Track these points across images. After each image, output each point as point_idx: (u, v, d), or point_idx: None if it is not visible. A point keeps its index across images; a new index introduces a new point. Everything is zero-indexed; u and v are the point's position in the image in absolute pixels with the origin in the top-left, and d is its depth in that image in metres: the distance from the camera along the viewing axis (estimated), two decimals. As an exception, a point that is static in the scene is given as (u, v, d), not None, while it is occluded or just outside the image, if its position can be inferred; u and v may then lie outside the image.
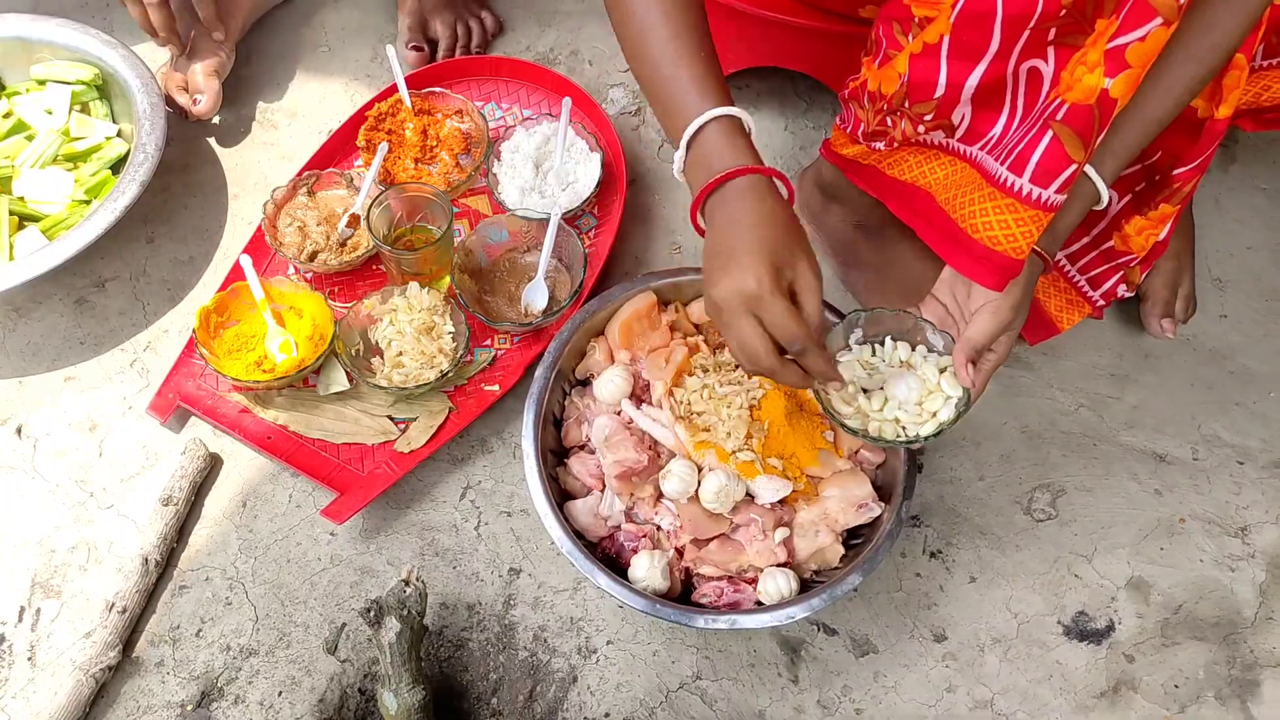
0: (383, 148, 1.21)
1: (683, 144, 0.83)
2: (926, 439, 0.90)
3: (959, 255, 0.86)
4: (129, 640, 0.99)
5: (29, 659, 0.99)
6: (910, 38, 0.86)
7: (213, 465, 1.09)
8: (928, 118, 0.87)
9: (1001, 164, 0.80)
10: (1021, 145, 0.78)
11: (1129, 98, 0.72)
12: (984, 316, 0.87)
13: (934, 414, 0.90)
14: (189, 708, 0.97)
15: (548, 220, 1.15)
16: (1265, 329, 1.23)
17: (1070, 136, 0.75)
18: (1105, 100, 0.72)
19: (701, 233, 0.85)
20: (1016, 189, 0.79)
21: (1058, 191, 0.77)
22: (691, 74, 0.83)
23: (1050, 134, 0.75)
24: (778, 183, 0.83)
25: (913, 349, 0.94)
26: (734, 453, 0.96)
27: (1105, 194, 0.85)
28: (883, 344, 0.94)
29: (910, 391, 0.91)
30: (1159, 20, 0.69)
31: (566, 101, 1.25)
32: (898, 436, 0.91)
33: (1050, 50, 0.77)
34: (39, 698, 0.97)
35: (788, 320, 0.78)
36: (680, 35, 0.83)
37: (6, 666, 0.99)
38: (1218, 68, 0.79)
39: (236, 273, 1.16)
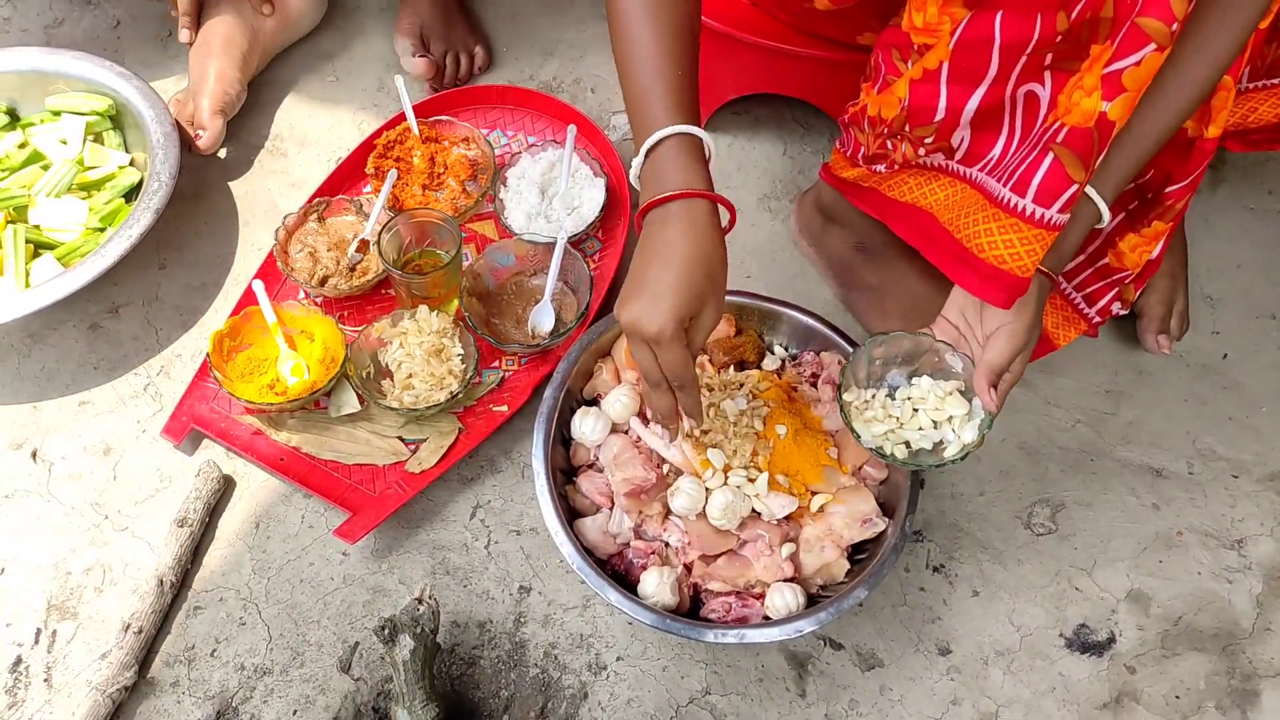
0: (392, 175, 1.24)
1: (641, 153, 0.86)
2: (954, 460, 0.93)
3: (967, 275, 0.88)
4: (145, 661, 1.00)
5: (45, 680, 1.00)
6: (910, 64, 0.89)
7: (226, 487, 1.11)
8: (928, 141, 0.89)
9: (1003, 185, 0.83)
10: (1023, 167, 0.81)
11: (1125, 120, 0.75)
12: (1001, 340, 0.89)
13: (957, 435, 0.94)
14: (204, 727, 0.98)
15: (554, 244, 1.17)
16: (1256, 344, 1.26)
17: (1071, 158, 0.77)
18: (1104, 123, 0.74)
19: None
20: (1020, 209, 0.81)
21: (1060, 211, 0.80)
22: (665, 88, 0.85)
23: (1051, 156, 0.78)
24: (721, 209, 0.85)
25: (928, 376, 0.97)
26: (743, 468, 0.99)
27: (1106, 213, 0.87)
28: (901, 368, 0.98)
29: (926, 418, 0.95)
30: (1153, 46, 0.71)
31: (571, 129, 1.28)
32: (918, 457, 0.94)
33: (1047, 75, 0.80)
34: (55, 719, 0.98)
35: (678, 364, 0.83)
36: (664, 52, 0.85)
37: (23, 688, 1.00)
38: (1211, 88, 0.81)
39: (249, 297, 1.18)
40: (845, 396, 0.97)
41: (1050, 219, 0.80)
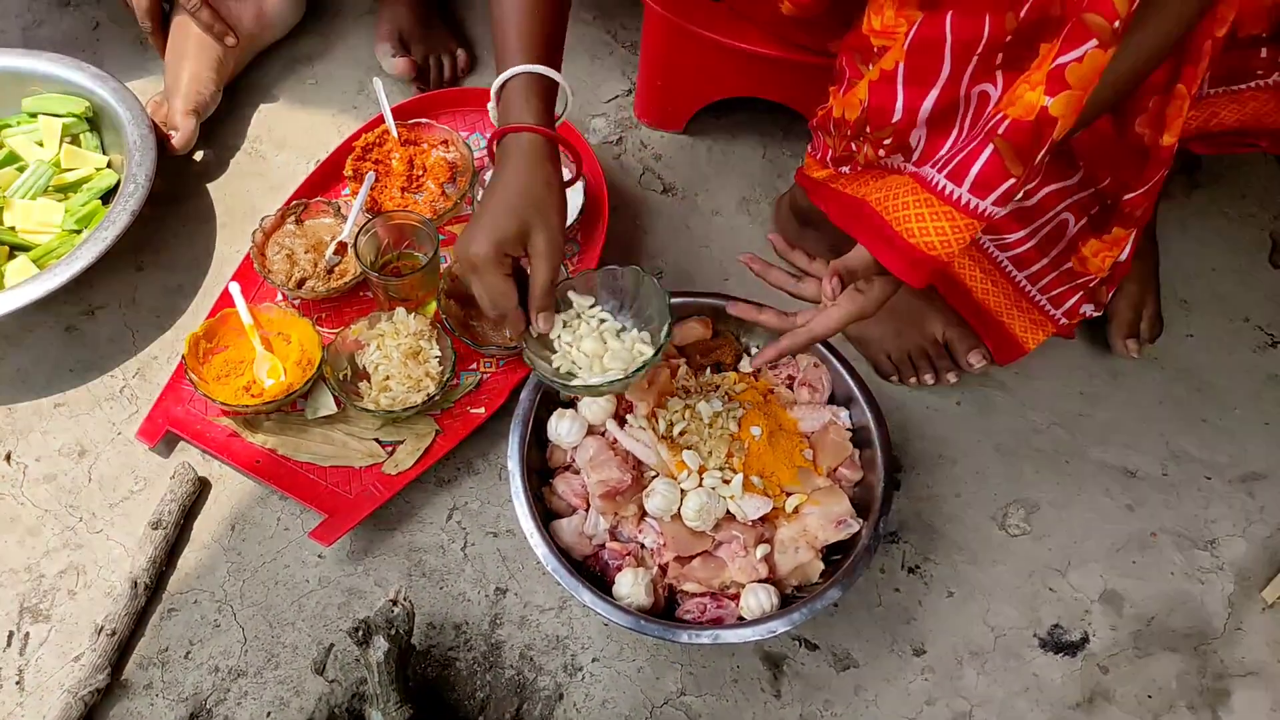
0: (370, 177, 1.24)
1: (493, 92, 0.91)
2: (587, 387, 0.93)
3: (889, 254, 0.87)
4: (118, 663, 1.00)
5: (17, 683, 1.00)
6: (869, 66, 0.89)
7: (201, 489, 1.11)
8: (887, 141, 0.90)
9: (939, 172, 0.83)
10: (962, 155, 0.81)
11: (1070, 122, 0.75)
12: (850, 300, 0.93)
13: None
14: (178, 730, 0.98)
15: (532, 246, 1.17)
16: (1230, 347, 1.27)
17: (1009, 151, 0.77)
18: (1045, 117, 0.74)
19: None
20: (955, 197, 0.81)
21: (995, 203, 0.80)
22: (519, 30, 0.89)
23: (991, 148, 0.78)
24: (560, 150, 0.90)
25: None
26: (718, 469, 0.99)
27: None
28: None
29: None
30: (1094, 42, 0.72)
31: (549, 131, 1.28)
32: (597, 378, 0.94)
33: (999, 74, 0.81)
34: (27, 722, 0.97)
35: (495, 293, 0.89)
36: (525, 3, 0.89)
37: (-5, 691, 0.99)
38: (1155, 58, 0.81)
39: (225, 300, 1.18)
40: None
41: (984, 209, 0.80)
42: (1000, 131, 0.77)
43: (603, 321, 0.98)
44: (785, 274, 1.01)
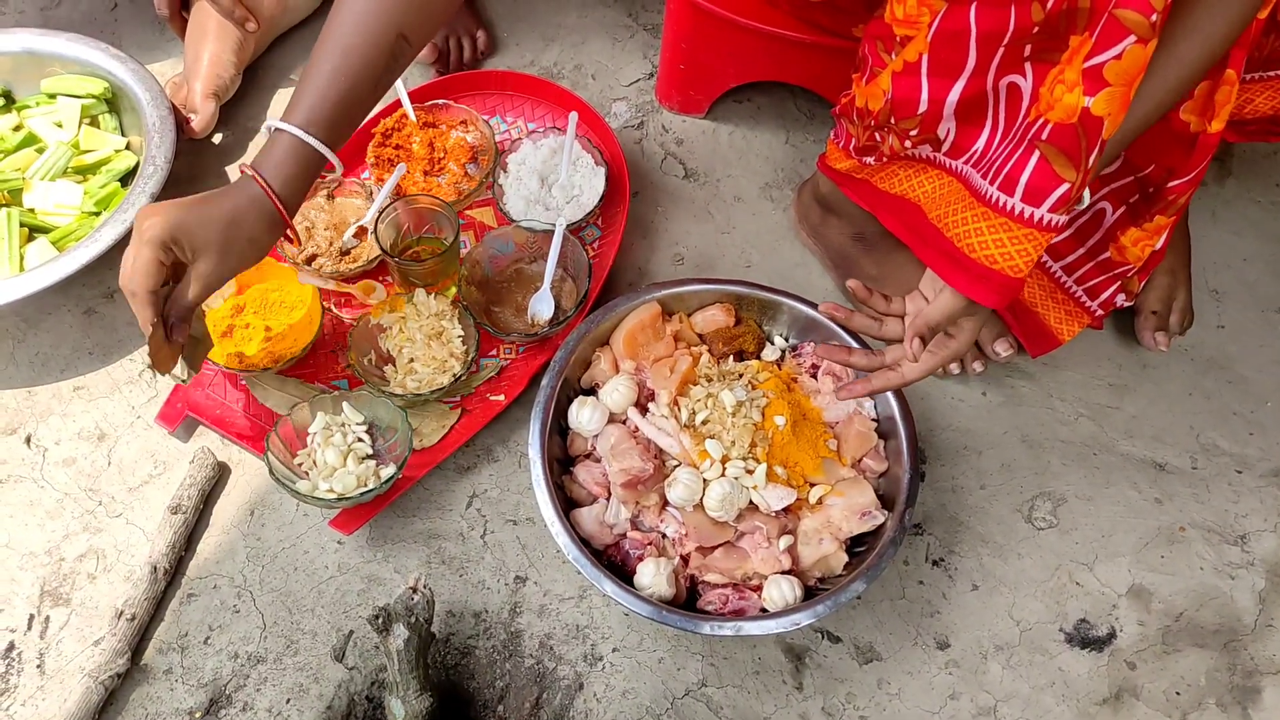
0: (400, 168, 1.23)
1: (265, 129, 0.93)
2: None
3: (957, 274, 0.87)
4: (138, 648, 1.00)
5: (38, 666, 1.00)
6: (893, 55, 0.88)
7: (221, 474, 1.10)
8: (913, 133, 0.88)
9: (990, 182, 0.81)
10: (1010, 165, 0.79)
11: (1120, 118, 0.73)
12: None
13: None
14: (197, 715, 0.97)
15: (553, 231, 1.16)
16: (1261, 339, 1.25)
17: (1057, 155, 0.75)
18: (1089, 119, 0.73)
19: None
20: (1009, 208, 0.80)
21: (1051, 210, 0.78)
22: (320, 92, 0.87)
23: (1037, 154, 0.76)
24: (276, 212, 0.87)
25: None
26: (741, 459, 0.98)
27: (1085, 194, 0.86)
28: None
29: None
30: (1133, 38, 0.70)
31: (573, 116, 1.27)
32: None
33: (1028, 66, 0.79)
34: (48, 705, 0.97)
35: (139, 268, 0.83)
36: (335, 59, 0.87)
37: (16, 674, 0.99)
38: (1201, 69, 0.79)
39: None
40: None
41: (1042, 219, 0.79)
42: (1044, 137, 0.75)
43: (359, 441, 1.06)
44: (867, 319, 0.99)
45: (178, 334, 0.87)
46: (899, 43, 0.88)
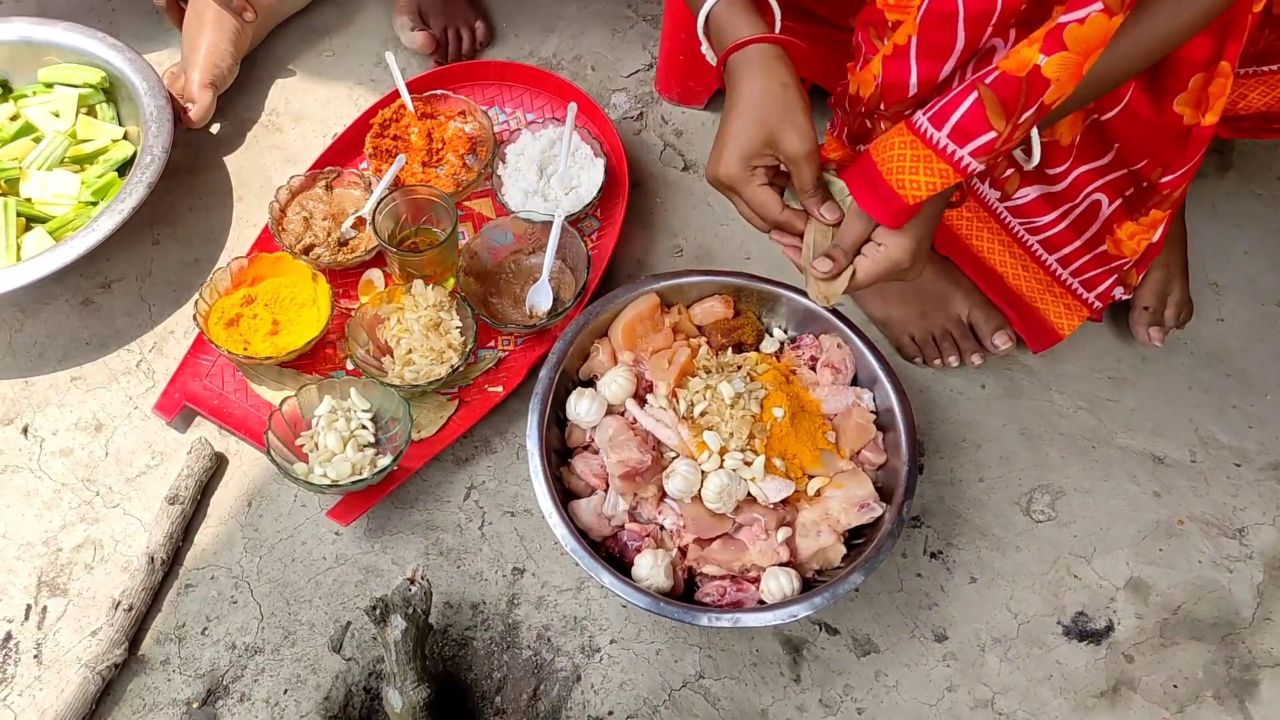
0: (400, 160, 1.22)
1: (700, 30, 0.92)
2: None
3: (863, 189, 0.88)
4: (135, 638, 1.00)
5: (35, 657, 1.00)
6: (884, 41, 0.87)
7: (218, 465, 1.10)
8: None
9: (924, 114, 0.81)
10: (946, 100, 0.79)
11: (1069, 87, 0.72)
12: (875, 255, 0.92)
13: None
14: (194, 705, 0.97)
15: (551, 223, 1.16)
16: (1261, 332, 1.25)
17: (993, 102, 0.75)
18: (1036, 77, 0.72)
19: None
20: (934, 141, 0.80)
21: (973, 155, 0.78)
22: None
23: (975, 95, 0.76)
24: (782, 50, 0.89)
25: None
26: (739, 450, 0.97)
27: (1035, 155, 0.86)
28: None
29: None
30: (1099, 5, 0.69)
31: (572, 107, 1.27)
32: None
33: (1011, 33, 0.79)
34: (45, 695, 0.97)
35: (756, 205, 0.89)
36: None
37: (13, 664, 0.99)
38: (1163, 48, 0.79)
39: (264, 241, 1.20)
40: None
41: (961, 159, 0.79)
42: (987, 81, 0.75)
43: (363, 428, 1.06)
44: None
45: (830, 212, 0.90)
46: (890, 27, 0.87)
